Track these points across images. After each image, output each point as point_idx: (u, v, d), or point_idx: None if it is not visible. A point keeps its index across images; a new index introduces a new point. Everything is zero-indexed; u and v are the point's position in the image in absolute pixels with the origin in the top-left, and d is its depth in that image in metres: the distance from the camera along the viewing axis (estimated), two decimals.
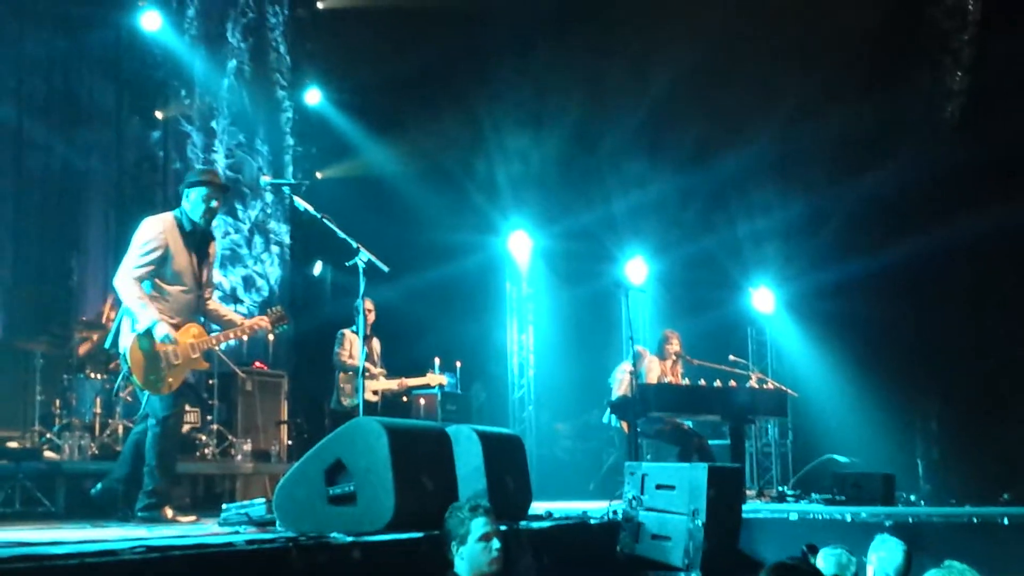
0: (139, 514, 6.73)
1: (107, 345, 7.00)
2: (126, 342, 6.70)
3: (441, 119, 14.64)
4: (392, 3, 14.16)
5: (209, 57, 13.68)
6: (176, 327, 6.78)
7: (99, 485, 7.24)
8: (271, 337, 12.12)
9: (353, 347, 10.79)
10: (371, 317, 10.88)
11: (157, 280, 6.76)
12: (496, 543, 5.10)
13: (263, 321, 7.32)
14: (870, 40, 13.61)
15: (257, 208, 14.21)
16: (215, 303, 7.36)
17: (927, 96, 13.58)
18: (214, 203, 6.98)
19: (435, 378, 11.30)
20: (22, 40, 11.43)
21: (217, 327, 7.29)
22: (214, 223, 7.33)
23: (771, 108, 14.19)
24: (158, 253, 6.74)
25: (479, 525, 5.12)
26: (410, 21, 14.02)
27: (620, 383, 10.92)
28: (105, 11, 12.24)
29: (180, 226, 6.88)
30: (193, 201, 6.93)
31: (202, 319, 7.17)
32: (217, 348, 7.44)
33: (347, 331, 10.88)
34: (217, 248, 7.48)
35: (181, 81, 13.29)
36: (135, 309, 6.64)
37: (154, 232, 6.79)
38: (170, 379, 6.72)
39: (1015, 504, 10.15)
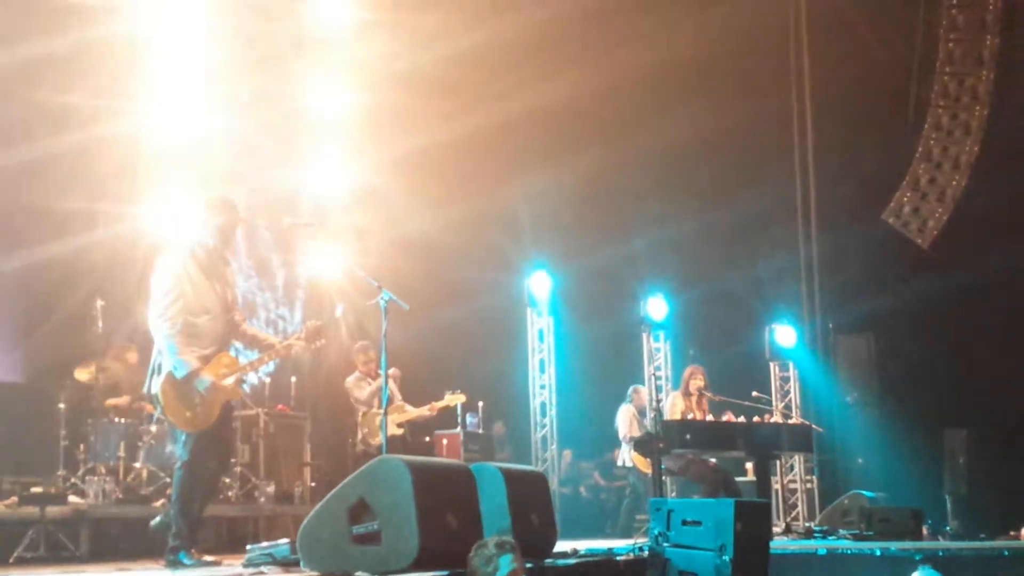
0: (167, 556, 6.72)
1: (145, 389, 6.94)
2: (158, 383, 6.69)
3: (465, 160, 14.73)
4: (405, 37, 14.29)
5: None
6: (208, 358, 6.77)
7: (158, 518, 7.26)
8: (293, 379, 12.15)
9: (360, 389, 10.91)
10: (396, 385, 10.99)
11: (186, 315, 6.74)
12: None
13: (298, 339, 7.20)
14: (899, 78, 13.65)
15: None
16: (248, 326, 7.31)
17: (945, 134, 13.58)
18: (228, 234, 7.02)
19: (454, 397, 11.39)
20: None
21: (252, 351, 7.27)
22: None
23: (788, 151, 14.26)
24: (176, 292, 6.71)
25: (506, 563, 5.08)
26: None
27: (629, 423, 10.88)
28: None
29: (195, 256, 6.87)
30: (209, 227, 6.94)
31: (236, 347, 7.12)
32: (244, 379, 7.31)
33: (357, 373, 11.01)
34: (233, 269, 7.41)
35: None
36: (170, 355, 6.64)
37: (172, 271, 6.78)
38: (205, 413, 6.70)
39: None
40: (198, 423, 6.70)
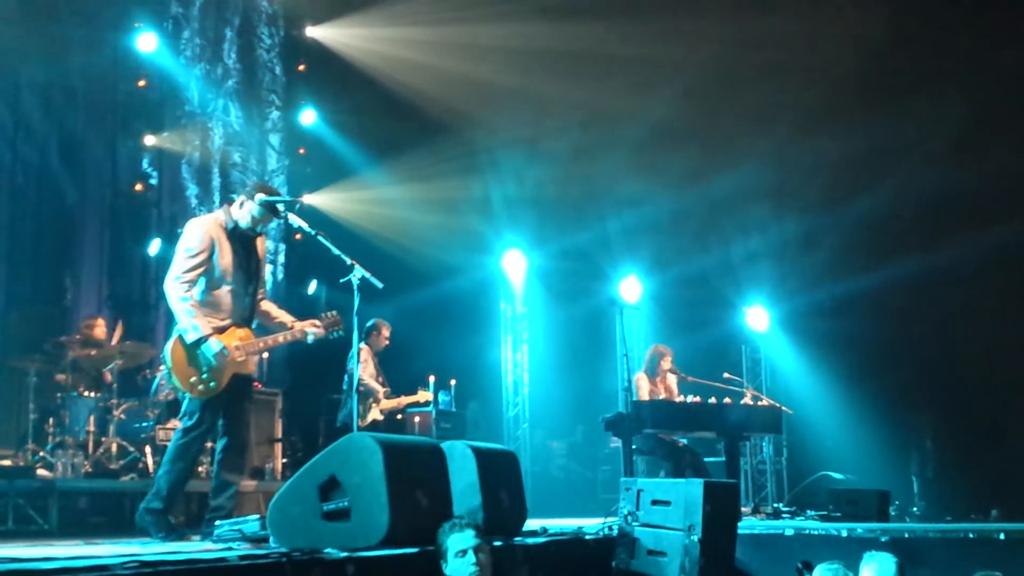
0: (145, 517, 6.66)
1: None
2: (168, 344, 6.66)
3: (436, 139, 14.70)
4: (383, 33, 14.26)
5: (204, 78, 13.71)
6: (223, 329, 6.73)
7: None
8: (265, 355, 12.09)
9: (368, 365, 10.82)
10: (386, 343, 10.91)
11: (206, 282, 6.71)
12: (472, 557, 5.07)
13: (316, 325, 7.12)
14: (866, 63, 13.65)
15: None
16: (268, 304, 7.23)
17: (922, 119, 13.63)
18: (262, 226, 6.95)
19: (424, 395, 11.35)
20: (19, 61, 11.48)
21: (268, 328, 7.19)
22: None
23: (766, 130, 14.25)
24: (204, 255, 6.66)
25: (456, 541, 5.12)
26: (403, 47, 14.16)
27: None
28: (101, 32, 12.29)
29: (223, 226, 6.81)
30: (245, 210, 6.84)
31: (254, 322, 7.04)
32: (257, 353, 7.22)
33: (363, 346, 10.83)
34: (266, 246, 7.33)
35: (176, 101, 13.33)
36: (183, 319, 6.59)
37: (198, 234, 6.71)
38: (212, 382, 6.64)
39: (1005, 520, 10.14)
40: (203, 390, 6.63)
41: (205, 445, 6.91)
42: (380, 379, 10.95)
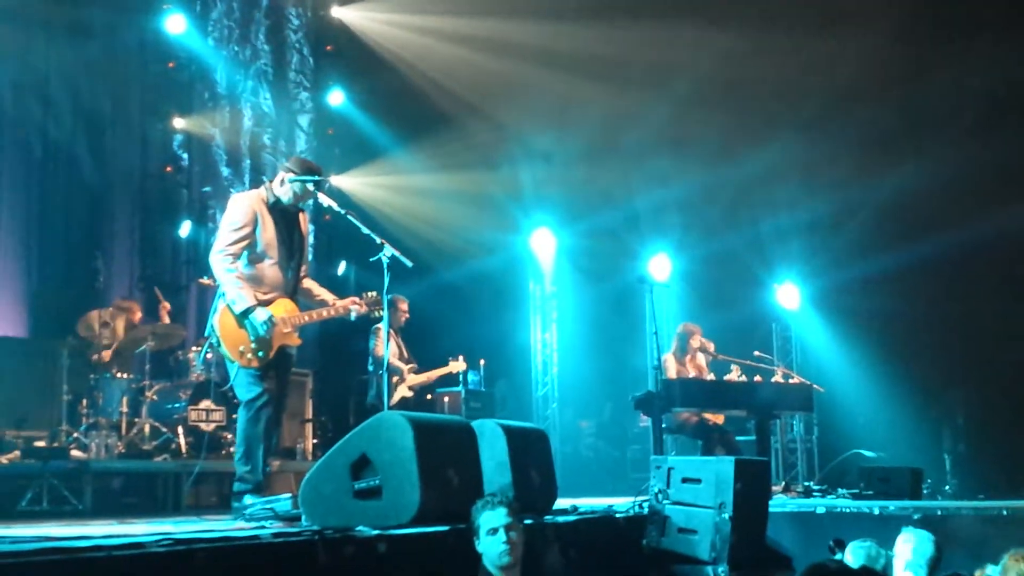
0: (233, 503, 6.75)
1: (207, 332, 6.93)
2: (216, 316, 6.72)
3: (465, 121, 14.68)
4: (409, 20, 14.25)
5: (232, 59, 13.75)
6: (267, 303, 6.77)
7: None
8: None
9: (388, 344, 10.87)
10: (405, 317, 10.95)
11: (249, 256, 6.79)
12: (503, 535, 5.04)
13: (358, 303, 7.18)
14: (895, 37, 13.50)
15: None
16: (310, 282, 7.31)
17: (950, 94, 13.47)
18: (303, 201, 7.04)
19: (456, 365, 11.42)
20: (48, 45, 11.54)
21: (310, 305, 7.23)
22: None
23: (795, 106, 14.13)
24: (247, 229, 6.76)
25: (488, 519, 5.10)
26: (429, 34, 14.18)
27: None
28: (130, 15, 12.33)
29: (266, 201, 6.90)
30: (286, 187, 6.91)
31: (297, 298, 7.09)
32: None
33: (380, 327, 10.90)
34: (309, 224, 7.39)
35: (205, 83, 13.38)
36: (230, 290, 6.66)
37: (242, 208, 6.82)
38: (260, 351, 6.69)
39: None
40: (252, 359, 6.68)
41: (272, 413, 6.91)
42: (405, 355, 10.99)
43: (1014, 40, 13.06)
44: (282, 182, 6.92)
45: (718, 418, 10.94)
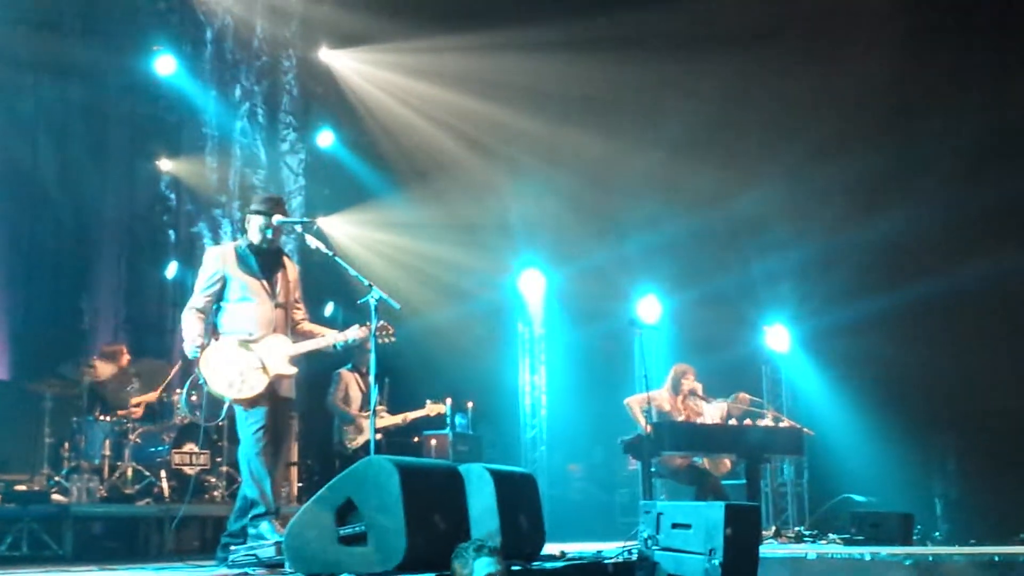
0: (249, 531, 6.71)
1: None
2: (200, 361, 6.78)
3: (454, 160, 14.70)
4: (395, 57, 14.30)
5: (222, 100, 13.74)
6: (254, 341, 6.83)
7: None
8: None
9: (349, 388, 10.82)
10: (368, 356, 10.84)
11: (223, 303, 6.91)
12: None
13: (362, 330, 7.18)
14: (885, 82, 13.60)
15: None
16: (310, 325, 7.34)
17: (940, 139, 13.55)
18: (270, 232, 7.01)
19: (434, 407, 11.26)
20: (36, 85, 11.54)
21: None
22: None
23: (785, 149, 14.18)
24: (212, 281, 6.90)
25: (482, 565, 5.02)
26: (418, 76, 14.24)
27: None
28: (120, 57, 12.35)
29: (237, 252, 6.99)
30: (251, 227, 7.03)
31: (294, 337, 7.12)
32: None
33: (343, 371, 10.89)
34: (295, 266, 7.40)
35: (194, 124, 13.36)
36: (184, 336, 6.80)
37: (210, 263, 6.97)
38: (246, 383, 6.73)
39: None
40: (241, 391, 6.72)
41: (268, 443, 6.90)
42: (366, 398, 10.80)
43: (1002, 86, 13.17)
44: (247, 223, 7.03)
45: (721, 466, 10.88)
